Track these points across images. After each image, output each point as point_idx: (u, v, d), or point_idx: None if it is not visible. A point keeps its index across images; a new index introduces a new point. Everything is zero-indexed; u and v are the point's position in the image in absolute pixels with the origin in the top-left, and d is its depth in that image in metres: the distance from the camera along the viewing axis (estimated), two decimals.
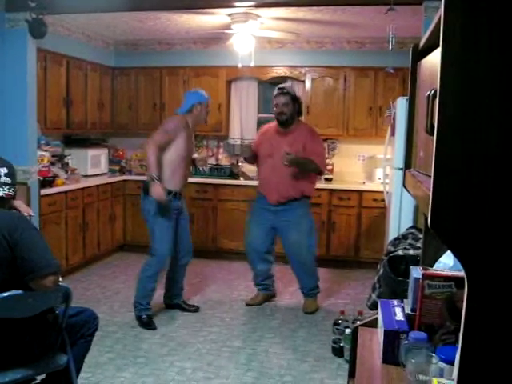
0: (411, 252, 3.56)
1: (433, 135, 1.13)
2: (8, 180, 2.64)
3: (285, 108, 4.63)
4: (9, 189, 2.64)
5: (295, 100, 4.70)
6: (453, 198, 0.96)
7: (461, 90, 0.95)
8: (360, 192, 6.31)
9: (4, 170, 2.65)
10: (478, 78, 0.93)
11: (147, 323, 4.44)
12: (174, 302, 4.80)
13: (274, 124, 4.89)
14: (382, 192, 5.38)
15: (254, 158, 4.92)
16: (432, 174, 0.98)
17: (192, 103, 4.48)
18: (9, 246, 2.41)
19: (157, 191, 4.21)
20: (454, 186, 0.96)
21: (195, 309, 4.81)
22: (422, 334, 1.60)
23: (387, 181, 5.14)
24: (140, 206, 4.55)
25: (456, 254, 0.98)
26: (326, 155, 6.83)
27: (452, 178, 0.96)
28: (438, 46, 1.36)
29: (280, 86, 4.91)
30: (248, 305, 5.01)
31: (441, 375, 1.45)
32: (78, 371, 2.93)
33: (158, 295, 4.76)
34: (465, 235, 0.96)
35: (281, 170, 4.61)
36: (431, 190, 0.98)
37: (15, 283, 2.44)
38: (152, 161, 4.23)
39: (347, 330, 3.81)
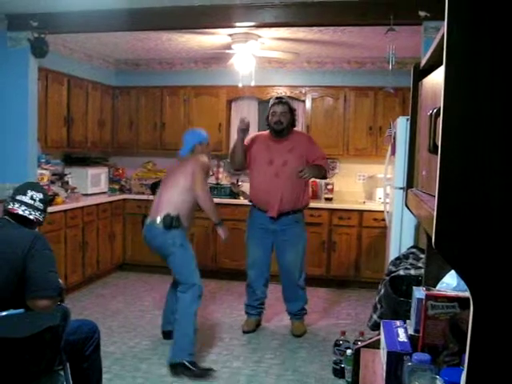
0: (412, 272, 3.54)
1: (436, 154, 1.12)
2: (41, 206, 2.76)
3: (283, 117, 4.57)
4: (40, 214, 2.74)
5: (292, 110, 4.67)
6: (457, 218, 0.95)
7: (465, 107, 0.94)
8: (360, 212, 6.29)
9: (39, 196, 2.77)
10: (482, 95, 0.93)
11: (202, 374, 3.91)
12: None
13: (265, 133, 4.80)
14: (382, 212, 5.36)
15: (243, 159, 4.72)
16: (436, 193, 0.97)
17: (193, 144, 4.39)
18: (23, 263, 2.48)
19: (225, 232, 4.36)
20: (459, 205, 0.95)
21: None
22: (426, 356, 1.58)
23: (388, 200, 5.14)
24: (154, 243, 4.20)
25: (461, 274, 0.97)
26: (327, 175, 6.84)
27: (457, 197, 0.95)
28: (439, 64, 1.36)
29: (277, 96, 4.90)
30: (245, 332, 4.82)
31: None
32: None
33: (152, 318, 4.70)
34: (470, 255, 0.94)
35: (282, 179, 4.54)
36: (435, 209, 0.97)
37: (17, 302, 2.45)
38: (213, 206, 4.35)
39: (348, 351, 3.77)
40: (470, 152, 0.94)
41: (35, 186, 2.86)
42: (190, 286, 4.03)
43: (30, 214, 2.71)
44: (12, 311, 2.41)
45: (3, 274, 2.46)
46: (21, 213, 2.69)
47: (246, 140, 4.73)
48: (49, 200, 2.91)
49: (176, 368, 3.88)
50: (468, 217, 0.94)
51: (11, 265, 2.47)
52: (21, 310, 2.44)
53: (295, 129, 4.81)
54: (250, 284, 4.86)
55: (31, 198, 2.73)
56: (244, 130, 4.60)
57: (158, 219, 4.11)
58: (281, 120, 4.57)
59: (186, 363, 3.85)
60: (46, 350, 2.66)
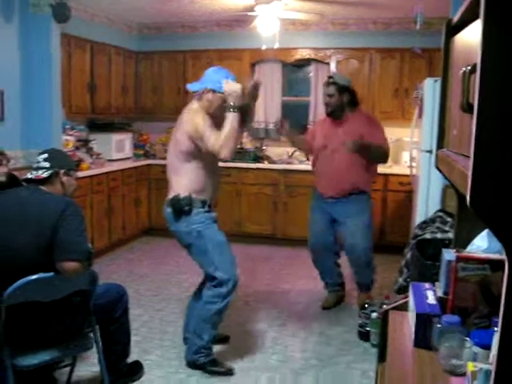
0: (439, 235, 3.52)
1: (469, 113, 1.09)
2: (46, 164, 2.77)
3: (330, 99, 4.25)
4: (43, 172, 2.74)
5: (343, 90, 4.25)
6: (493, 176, 0.92)
7: (503, 63, 0.90)
8: (386, 175, 6.22)
9: (44, 156, 2.80)
10: None
11: (218, 365, 3.50)
12: None
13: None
14: (408, 175, 5.31)
15: (305, 145, 4.60)
16: (472, 152, 0.94)
17: (205, 87, 3.30)
18: (54, 228, 2.51)
19: (231, 86, 3.20)
20: (495, 164, 0.92)
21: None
22: (455, 318, 1.57)
23: (414, 164, 5.08)
24: (171, 229, 3.50)
25: (496, 234, 0.94)
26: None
27: (493, 155, 0.92)
28: (473, 20, 1.31)
29: (331, 74, 4.60)
30: (324, 308, 4.57)
31: (474, 359, 1.42)
32: (125, 357, 3.25)
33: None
34: (506, 214, 0.92)
35: (335, 163, 4.26)
36: (470, 168, 0.95)
37: (47, 266, 2.49)
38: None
39: (374, 314, 3.79)
40: (507, 109, 0.91)
41: (45, 151, 2.88)
42: (217, 281, 3.35)
43: (31, 174, 2.74)
44: (42, 275, 2.45)
45: (35, 238, 2.49)
46: (30, 176, 2.74)
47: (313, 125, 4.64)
48: (58, 155, 2.90)
49: (193, 366, 3.50)
50: (504, 175, 0.91)
51: (42, 229, 2.50)
52: (50, 274, 2.48)
53: (361, 108, 4.50)
54: (313, 260, 4.67)
55: (37, 162, 2.79)
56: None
57: (168, 202, 3.43)
58: (328, 102, 4.27)
59: (205, 365, 3.47)
60: (75, 312, 2.71)
